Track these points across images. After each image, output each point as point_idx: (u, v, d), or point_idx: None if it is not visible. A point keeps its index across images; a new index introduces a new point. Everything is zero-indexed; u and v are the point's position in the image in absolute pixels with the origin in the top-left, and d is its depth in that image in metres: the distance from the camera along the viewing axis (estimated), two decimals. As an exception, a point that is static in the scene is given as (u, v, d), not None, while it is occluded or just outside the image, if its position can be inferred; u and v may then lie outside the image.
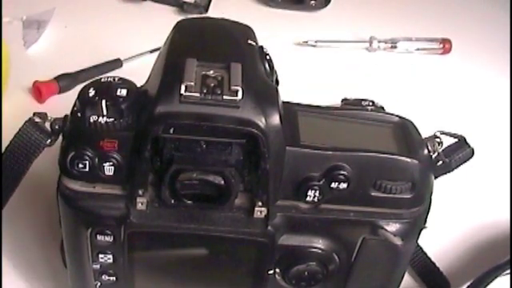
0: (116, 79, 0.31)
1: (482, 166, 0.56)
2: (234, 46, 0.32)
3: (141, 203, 0.31)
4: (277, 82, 0.33)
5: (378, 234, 0.33)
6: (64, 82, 0.57)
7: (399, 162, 0.32)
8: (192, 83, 0.29)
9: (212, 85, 0.29)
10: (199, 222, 0.32)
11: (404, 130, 0.34)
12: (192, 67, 0.29)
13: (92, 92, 0.30)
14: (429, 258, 0.45)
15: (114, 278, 0.34)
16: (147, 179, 0.31)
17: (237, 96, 0.29)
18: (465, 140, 0.38)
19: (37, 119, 0.32)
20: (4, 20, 0.62)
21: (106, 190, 0.31)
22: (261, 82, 0.31)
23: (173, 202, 0.31)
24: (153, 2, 0.74)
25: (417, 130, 0.35)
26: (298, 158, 0.31)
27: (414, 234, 0.34)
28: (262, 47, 0.33)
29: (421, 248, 0.44)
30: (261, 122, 0.29)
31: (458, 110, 0.64)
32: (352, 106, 0.36)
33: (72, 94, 0.57)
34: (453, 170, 0.36)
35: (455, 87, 0.67)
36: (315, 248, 0.33)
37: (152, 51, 0.63)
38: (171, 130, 0.29)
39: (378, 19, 0.75)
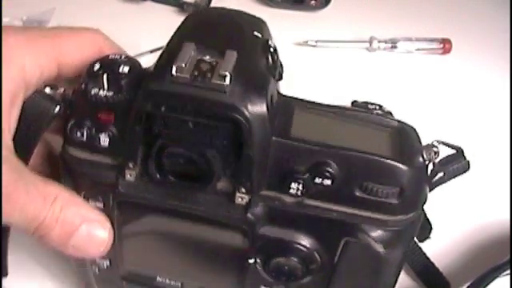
0: (122, 57, 0.33)
1: (482, 166, 0.57)
2: (236, 36, 0.33)
3: (129, 175, 0.32)
4: (280, 76, 0.34)
5: (360, 239, 0.32)
6: (64, 81, 0.57)
7: (387, 165, 0.31)
8: (183, 65, 0.30)
9: (204, 69, 0.30)
10: (183, 200, 0.33)
11: (402, 136, 0.33)
12: (188, 51, 0.31)
13: (97, 66, 0.32)
14: (428, 259, 0.45)
15: (108, 262, 0.37)
16: (137, 153, 0.32)
17: (224, 81, 0.29)
18: (462, 152, 0.37)
19: (47, 89, 0.34)
20: (4, 20, 0.62)
21: (100, 159, 0.33)
22: (254, 71, 0.31)
23: (158, 176, 0.32)
24: (153, 2, 0.74)
25: (418, 137, 0.34)
26: (284, 149, 0.31)
27: (400, 243, 0.33)
28: (267, 41, 0.33)
29: (420, 249, 0.44)
30: (245, 108, 0.30)
31: (458, 110, 0.64)
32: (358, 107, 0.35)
33: (72, 94, 0.58)
34: (446, 181, 0.35)
35: (455, 87, 0.67)
36: (296, 243, 0.33)
37: (152, 51, 0.63)
38: (162, 108, 0.30)
39: (378, 19, 0.75)
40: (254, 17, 0.35)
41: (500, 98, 0.66)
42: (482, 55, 0.72)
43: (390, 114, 0.36)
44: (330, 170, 0.31)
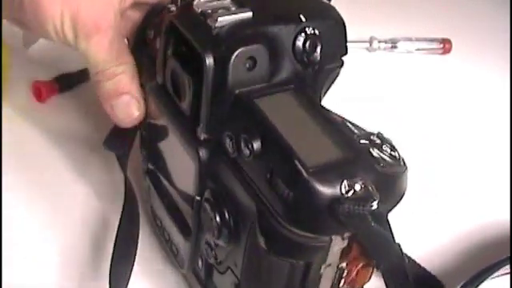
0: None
1: (482, 166, 0.57)
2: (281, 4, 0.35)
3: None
4: (309, 66, 0.34)
5: (255, 227, 0.31)
6: (64, 82, 0.57)
7: (291, 165, 0.28)
8: (202, 1, 0.33)
9: (216, 9, 0.32)
10: (166, 112, 0.36)
11: (351, 154, 0.29)
12: None
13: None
14: (418, 264, 0.44)
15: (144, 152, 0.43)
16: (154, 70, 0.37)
17: (216, 22, 0.31)
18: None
19: None
20: (4, 20, 0.62)
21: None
22: (254, 31, 0.32)
23: (161, 82, 0.37)
24: (153, 2, 0.74)
25: (365, 165, 0.29)
26: (240, 108, 0.32)
27: (289, 252, 0.30)
28: (305, 27, 0.33)
29: (407, 256, 0.43)
30: (214, 54, 0.31)
31: (458, 110, 0.64)
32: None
33: (72, 94, 0.58)
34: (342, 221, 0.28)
35: (455, 87, 0.67)
36: (232, 200, 0.33)
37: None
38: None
39: (378, 19, 0.75)
40: (320, 1, 0.36)
41: (500, 97, 0.66)
42: (482, 55, 0.72)
43: (392, 148, 0.32)
44: (254, 145, 0.30)
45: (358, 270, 0.32)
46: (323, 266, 0.31)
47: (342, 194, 0.27)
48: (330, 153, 0.29)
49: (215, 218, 0.33)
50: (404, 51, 0.71)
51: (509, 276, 0.44)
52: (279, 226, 0.29)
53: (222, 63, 0.31)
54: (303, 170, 0.28)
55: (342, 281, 0.32)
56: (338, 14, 0.36)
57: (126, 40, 0.41)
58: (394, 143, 0.31)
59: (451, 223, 0.50)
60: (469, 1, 0.81)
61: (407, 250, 0.45)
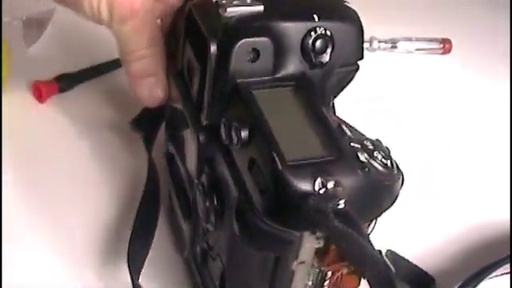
0: None
1: (482, 166, 0.57)
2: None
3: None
4: (316, 65, 0.34)
5: (232, 214, 0.31)
6: (64, 82, 0.57)
7: (270, 157, 0.28)
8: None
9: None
10: (181, 97, 0.38)
11: (333, 154, 0.29)
12: None
13: None
14: (410, 263, 0.44)
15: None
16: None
17: (226, 12, 0.32)
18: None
19: None
20: (4, 20, 0.62)
21: None
22: (261, 24, 0.32)
23: (180, 68, 0.38)
24: (153, 2, 0.74)
25: (345, 167, 0.29)
26: (236, 98, 0.32)
27: (260, 242, 0.30)
28: (316, 27, 0.33)
29: (398, 255, 0.43)
30: (218, 42, 0.32)
31: (458, 110, 0.64)
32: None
33: (72, 94, 0.58)
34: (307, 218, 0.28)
35: (455, 87, 0.67)
36: (222, 186, 0.33)
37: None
38: None
39: (378, 19, 0.74)
40: (341, 4, 0.36)
41: (500, 97, 0.66)
42: (482, 55, 0.72)
43: (388, 150, 0.31)
44: (242, 134, 0.30)
45: (341, 276, 0.32)
46: (295, 262, 0.31)
47: (315, 190, 0.27)
48: (312, 150, 0.29)
49: (205, 202, 0.34)
50: (404, 51, 0.71)
51: (509, 276, 0.44)
52: (253, 215, 0.29)
53: (224, 51, 0.32)
54: (279, 163, 0.28)
55: (327, 284, 0.32)
56: (357, 19, 0.35)
57: (159, 21, 0.42)
58: (390, 153, 0.31)
59: (451, 223, 0.50)
60: (469, 1, 0.81)
61: (407, 249, 0.46)
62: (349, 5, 0.36)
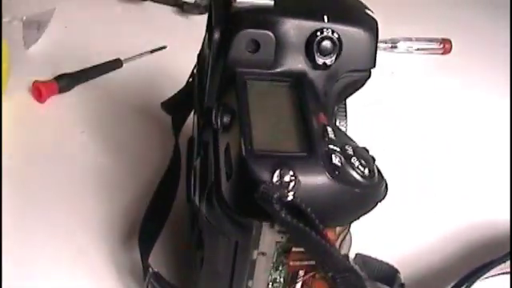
0: None
1: (482, 166, 0.57)
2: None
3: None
4: (321, 66, 0.33)
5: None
6: (64, 82, 0.57)
7: (239, 143, 0.29)
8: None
9: None
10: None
11: (304, 150, 0.29)
12: None
13: None
14: (377, 260, 0.44)
15: None
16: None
17: (235, 2, 0.33)
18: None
19: None
20: (4, 20, 0.62)
21: None
22: (266, 18, 0.33)
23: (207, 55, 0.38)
24: (153, 2, 0.74)
25: (310, 164, 0.28)
26: (231, 85, 0.33)
27: (220, 224, 0.31)
28: (322, 28, 0.33)
29: (366, 256, 0.43)
30: (222, 29, 0.33)
31: (458, 110, 0.64)
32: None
33: (72, 94, 0.58)
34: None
35: (455, 87, 0.67)
36: (209, 168, 0.34)
37: (152, 51, 0.63)
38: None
39: (378, 19, 0.74)
40: (361, 10, 0.36)
41: (500, 97, 0.66)
42: (482, 55, 0.72)
43: (373, 159, 0.30)
44: (224, 116, 0.31)
45: (313, 278, 0.32)
46: (255, 251, 0.31)
47: (272, 181, 0.27)
48: (285, 145, 0.29)
49: (195, 183, 0.35)
50: (404, 51, 0.71)
51: (509, 276, 0.44)
52: (218, 198, 0.30)
53: (226, 39, 0.33)
54: (244, 150, 0.28)
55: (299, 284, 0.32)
56: (374, 28, 0.35)
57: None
58: (374, 162, 0.30)
59: (450, 222, 0.50)
60: (469, 1, 0.81)
61: (407, 249, 0.46)
62: (370, 13, 0.36)
